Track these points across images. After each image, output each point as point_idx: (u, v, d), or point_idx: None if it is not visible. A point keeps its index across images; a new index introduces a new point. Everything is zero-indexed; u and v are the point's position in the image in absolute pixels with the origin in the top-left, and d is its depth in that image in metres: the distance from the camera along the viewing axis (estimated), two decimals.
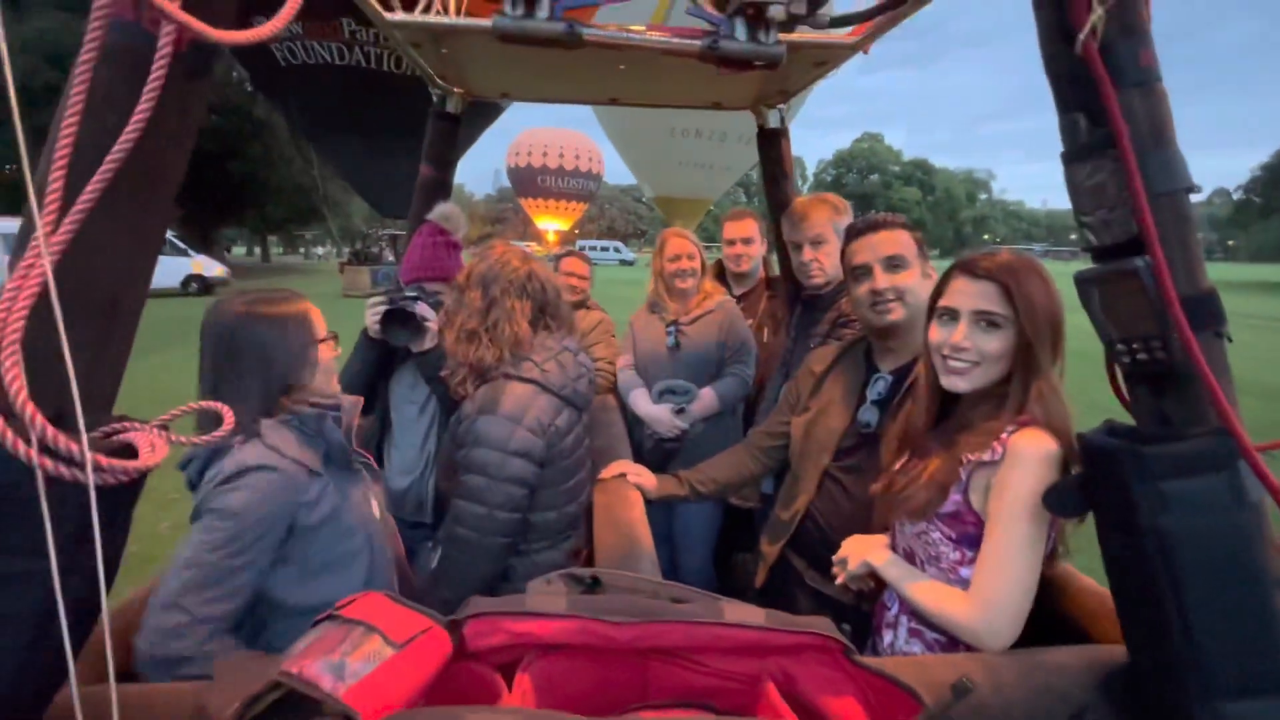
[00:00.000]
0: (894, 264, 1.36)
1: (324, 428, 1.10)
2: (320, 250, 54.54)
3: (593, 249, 47.08)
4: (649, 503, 2.47)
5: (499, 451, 1.33)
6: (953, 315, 1.07)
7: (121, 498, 0.64)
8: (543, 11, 0.90)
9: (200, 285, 18.02)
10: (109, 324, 0.68)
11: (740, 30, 0.91)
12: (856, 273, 1.41)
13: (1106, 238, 0.76)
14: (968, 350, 1.04)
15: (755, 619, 0.62)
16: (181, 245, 18.41)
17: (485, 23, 1.14)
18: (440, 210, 2.00)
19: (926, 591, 1.05)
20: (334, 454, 1.12)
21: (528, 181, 26.94)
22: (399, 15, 1.24)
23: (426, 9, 1.31)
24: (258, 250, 44.89)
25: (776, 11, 0.88)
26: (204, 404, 0.72)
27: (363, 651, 0.56)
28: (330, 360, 1.22)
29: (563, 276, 2.85)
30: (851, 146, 71.38)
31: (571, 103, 2.08)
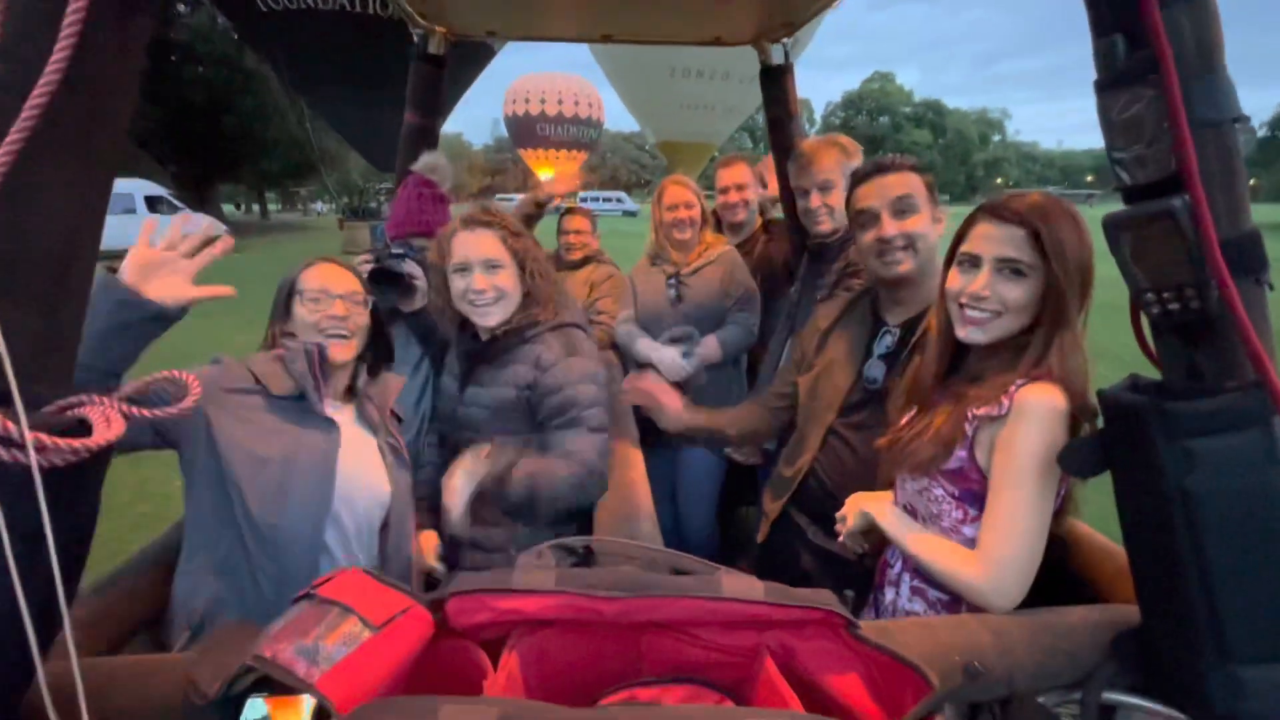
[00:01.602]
0: (902, 208, 1.28)
1: (286, 359, 1.14)
2: (319, 206, 53.79)
3: (594, 200, 46.15)
4: (651, 459, 2.48)
5: (596, 386, 1.36)
6: (974, 262, 1.00)
7: (81, 478, 0.60)
8: None
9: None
10: (56, 289, 0.63)
11: None
12: (862, 219, 1.33)
13: (1141, 175, 0.69)
14: (988, 299, 0.98)
15: (754, 592, 0.59)
16: (179, 204, 18.14)
17: None
18: (425, 161, 1.91)
19: (931, 547, 1.03)
20: (305, 391, 1.13)
21: (526, 130, 26.16)
22: None
23: None
24: (256, 208, 44.32)
25: None
26: (165, 374, 0.67)
27: (339, 634, 0.53)
28: (318, 318, 1.19)
29: (564, 235, 2.77)
30: (861, 87, 68.68)
31: (562, 40, 1.95)
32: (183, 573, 1.07)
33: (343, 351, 1.21)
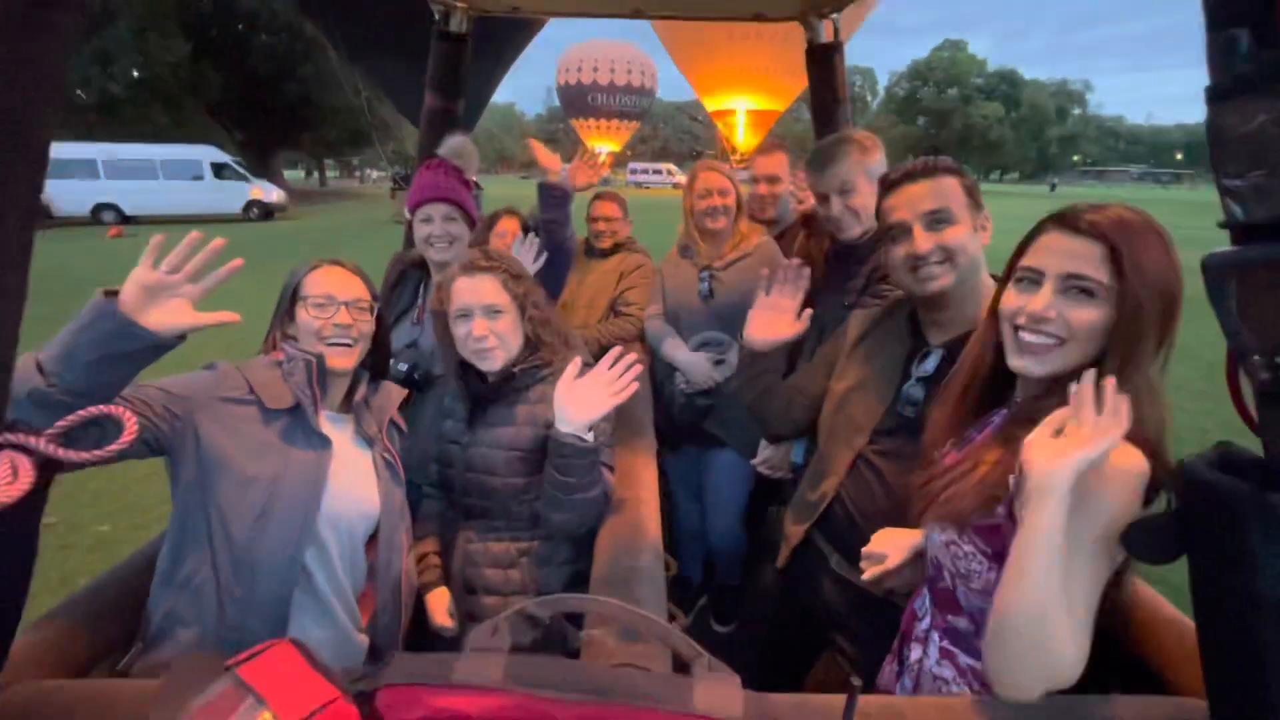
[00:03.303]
0: (938, 219, 1.13)
1: (284, 370, 1.12)
2: (375, 174, 55.03)
3: (644, 172, 45.73)
4: (676, 461, 2.39)
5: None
6: (1036, 278, 0.85)
7: (11, 520, 0.55)
8: None
9: (261, 210, 18.45)
10: None
11: None
12: (893, 233, 1.18)
13: (1260, 210, 0.54)
14: (1051, 322, 0.83)
15: (730, 707, 0.49)
16: (242, 170, 18.72)
17: None
18: (451, 145, 1.83)
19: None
20: (302, 405, 1.10)
21: (578, 100, 25.97)
22: None
23: None
24: (316, 175, 45.65)
25: None
26: (99, 409, 0.62)
27: None
28: (321, 324, 1.15)
29: (593, 222, 2.66)
30: (929, 56, 64.66)
31: (590, 16, 1.83)
32: (154, 584, 1.05)
33: (344, 360, 1.17)
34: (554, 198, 1.76)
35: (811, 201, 2.19)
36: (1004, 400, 0.96)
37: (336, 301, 1.16)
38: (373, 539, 1.19)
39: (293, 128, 28.47)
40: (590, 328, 2.53)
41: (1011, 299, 0.88)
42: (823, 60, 1.70)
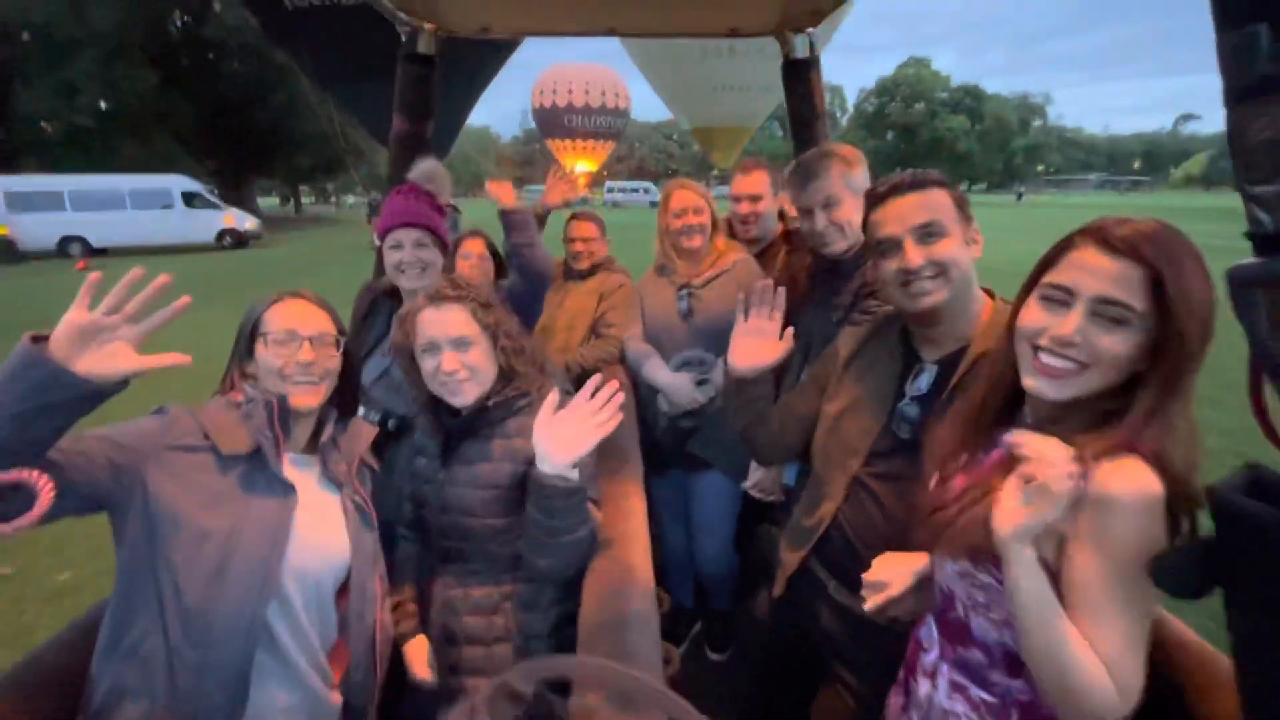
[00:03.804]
0: (928, 233, 1.08)
1: (243, 412, 1.04)
2: (351, 199, 54.67)
3: (622, 191, 46.05)
4: (663, 485, 2.32)
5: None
6: (1066, 297, 0.80)
7: None
8: None
9: (234, 239, 18.17)
10: None
11: None
12: (882, 247, 1.14)
13: None
14: (1077, 347, 0.78)
15: None
16: (213, 198, 18.44)
17: None
18: (422, 169, 1.77)
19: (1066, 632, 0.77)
20: (262, 449, 1.01)
21: (553, 122, 26.16)
22: None
23: None
24: (291, 202, 45.21)
25: None
26: (10, 477, 0.54)
27: None
28: (283, 362, 1.07)
29: (570, 243, 2.61)
30: (895, 73, 66.53)
31: (562, 35, 1.79)
32: (96, 653, 0.95)
33: (309, 398, 1.09)
34: (514, 222, 1.72)
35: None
36: (1015, 418, 0.91)
37: (299, 337, 1.08)
38: (343, 589, 1.10)
39: (265, 155, 28.23)
40: (571, 351, 2.47)
41: (1034, 316, 0.83)
42: (799, 75, 1.68)
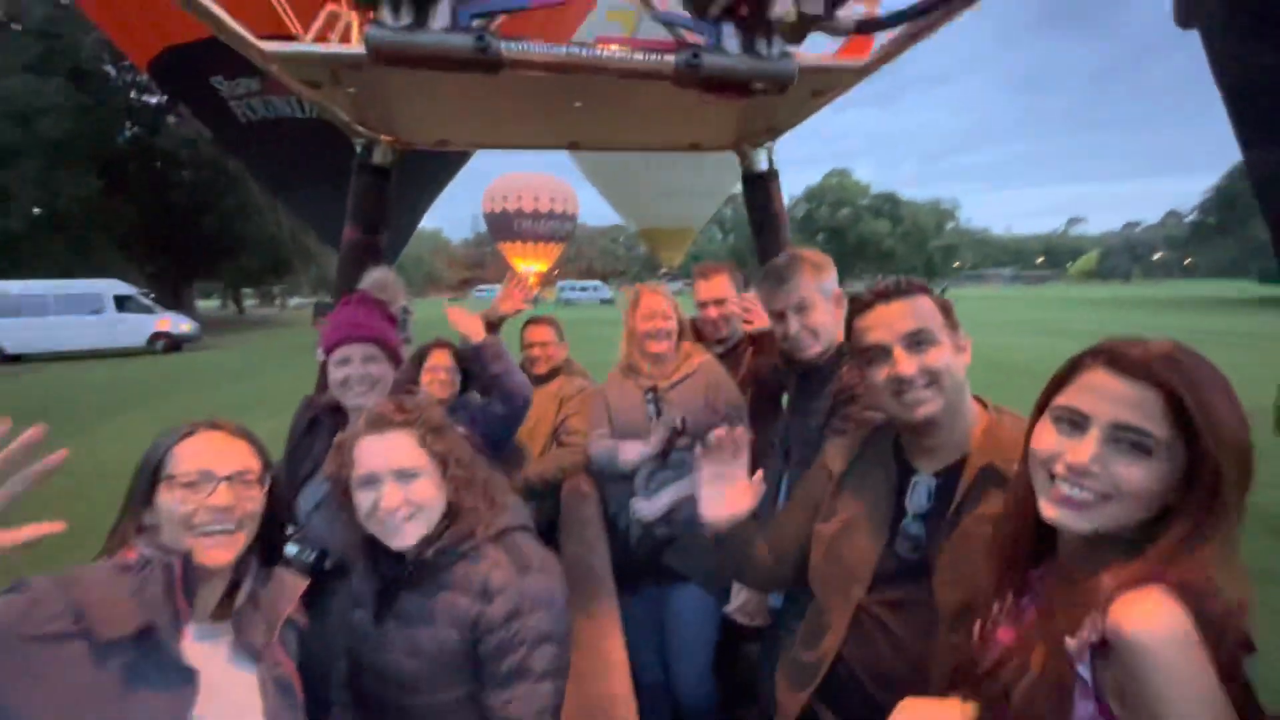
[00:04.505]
0: (918, 340, 1.05)
1: (132, 583, 0.84)
2: (296, 301, 53.82)
3: (573, 289, 47.79)
4: (636, 603, 2.12)
5: (551, 612, 1.10)
6: (1079, 421, 0.74)
7: None
8: (440, 20, 0.60)
9: (167, 342, 17.51)
10: None
11: (730, 40, 0.63)
12: (870, 354, 1.10)
13: None
14: (1095, 477, 0.71)
15: None
16: (148, 302, 17.89)
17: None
18: (375, 278, 1.69)
19: None
20: (155, 628, 0.81)
21: (504, 226, 27.05)
22: (276, 45, 0.94)
23: (340, 36, 1.03)
24: (233, 304, 44.12)
25: (783, 8, 0.59)
26: None
27: None
28: (192, 509, 0.89)
29: (528, 348, 2.54)
30: (821, 182, 73.16)
31: (522, 149, 1.81)
32: None
33: (222, 553, 0.90)
34: (490, 354, 1.67)
35: (761, 321, 2.17)
36: (1048, 550, 0.83)
37: (215, 478, 0.91)
38: None
39: (211, 258, 27.79)
40: (533, 461, 2.32)
41: (1048, 440, 0.77)
42: (759, 187, 1.73)
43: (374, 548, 1.12)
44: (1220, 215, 38.62)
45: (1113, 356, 0.73)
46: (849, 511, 1.16)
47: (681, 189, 12.55)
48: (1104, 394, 0.72)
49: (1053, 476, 0.75)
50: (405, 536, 1.07)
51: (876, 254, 65.39)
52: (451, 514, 1.12)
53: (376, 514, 1.06)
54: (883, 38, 1.02)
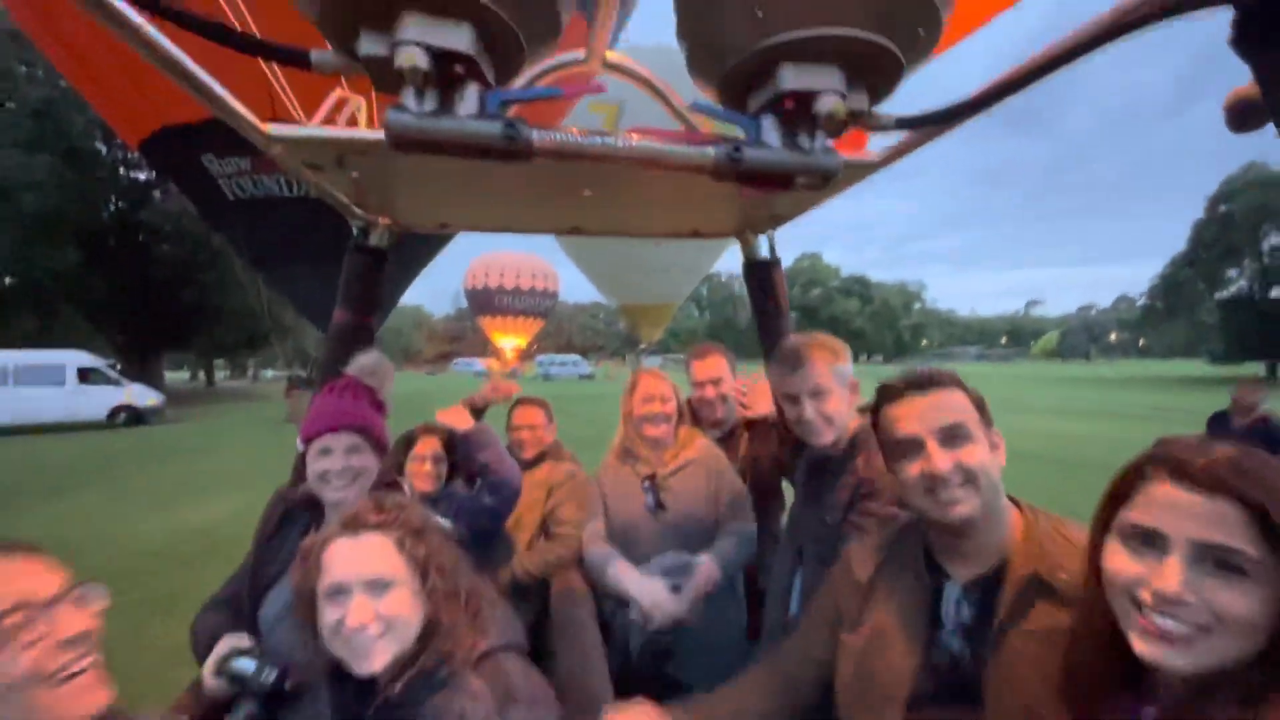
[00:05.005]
0: (954, 435, 0.99)
1: None
2: (269, 372, 52.80)
3: (553, 364, 47.84)
4: None
5: None
6: (1153, 540, 0.67)
7: None
8: (468, 105, 0.57)
9: (130, 415, 16.86)
10: None
11: (771, 134, 0.61)
12: (901, 448, 1.04)
13: None
14: (1190, 606, 0.64)
15: None
16: (112, 374, 17.34)
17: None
18: (363, 362, 1.60)
19: None
20: None
21: (485, 302, 27.37)
22: (280, 128, 0.92)
23: (346, 120, 1.01)
24: (202, 376, 43.05)
25: (830, 104, 0.57)
26: None
27: None
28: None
29: (514, 431, 2.44)
30: (794, 265, 76.63)
31: (524, 233, 1.79)
32: None
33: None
34: (478, 442, 1.61)
35: (758, 408, 2.12)
36: (1139, 677, 0.73)
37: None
38: None
39: (185, 330, 27.36)
40: (520, 555, 2.17)
41: (1124, 564, 0.70)
42: (762, 274, 1.72)
43: (340, 672, 0.97)
44: (1168, 300, 40.80)
45: (1176, 466, 0.67)
46: (880, 622, 1.06)
47: (662, 266, 12.84)
48: (1177, 509, 0.66)
49: (1139, 605, 0.68)
50: (374, 660, 0.93)
51: (847, 333, 67.97)
52: (428, 631, 0.98)
53: (342, 632, 0.92)
54: (894, 137, 1.04)
